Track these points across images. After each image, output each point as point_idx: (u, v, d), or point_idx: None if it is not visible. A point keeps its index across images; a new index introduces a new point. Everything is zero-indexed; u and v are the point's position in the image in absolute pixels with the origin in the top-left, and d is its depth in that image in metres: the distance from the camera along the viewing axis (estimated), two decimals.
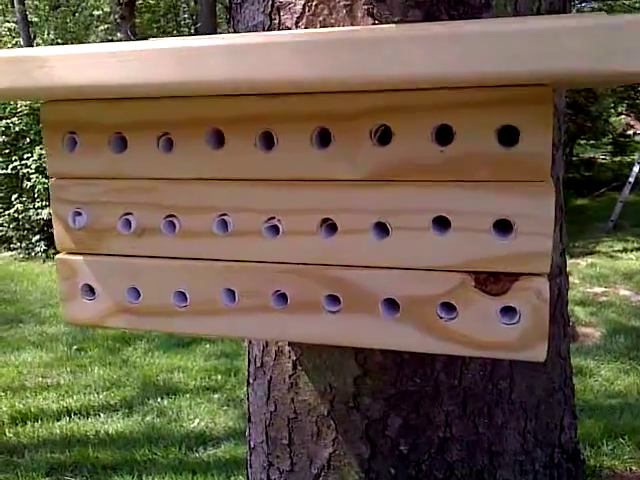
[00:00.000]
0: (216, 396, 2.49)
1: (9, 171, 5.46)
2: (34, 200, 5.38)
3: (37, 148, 5.30)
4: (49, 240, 5.16)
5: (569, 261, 0.86)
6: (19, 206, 5.44)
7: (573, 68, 0.40)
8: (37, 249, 5.46)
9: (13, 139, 5.57)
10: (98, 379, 2.69)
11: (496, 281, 0.51)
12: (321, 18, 0.67)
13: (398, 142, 0.51)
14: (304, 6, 0.67)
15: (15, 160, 5.44)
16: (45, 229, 5.32)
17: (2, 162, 5.55)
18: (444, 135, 0.50)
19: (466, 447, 0.74)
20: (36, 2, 11.12)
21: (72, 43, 8.70)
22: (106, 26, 11.02)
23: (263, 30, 0.71)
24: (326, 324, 0.55)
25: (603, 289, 3.83)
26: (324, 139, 0.53)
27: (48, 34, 10.58)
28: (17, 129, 5.51)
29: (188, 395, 2.50)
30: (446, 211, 0.51)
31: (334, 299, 0.55)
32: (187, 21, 12.33)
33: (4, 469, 1.98)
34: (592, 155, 7.98)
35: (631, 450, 1.91)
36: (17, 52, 0.52)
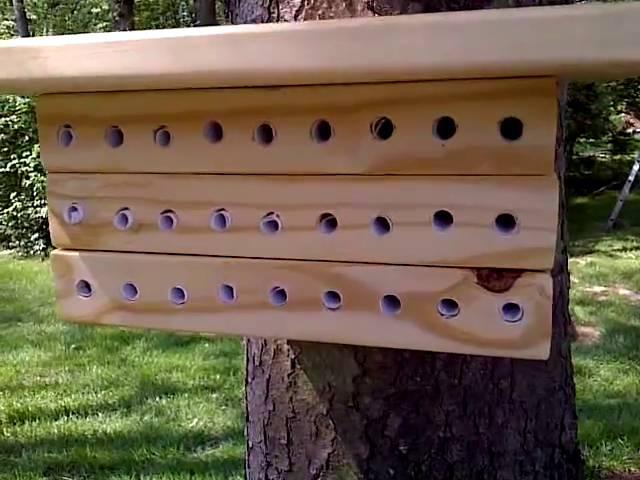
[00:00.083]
0: (215, 395, 2.48)
1: (8, 169, 5.47)
2: (33, 198, 5.38)
3: (36, 146, 5.29)
4: (48, 238, 5.06)
5: (568, 260, 0.85)
6: (18, 204, 5.44)
7: (577, 57, 0.39)
8: (36, 247, 5.46)
9: (12, 137, 5.57)
10: (96, 378, 2.68)
11: (499, 277, 0.50)
12: (320, 11, 0.66)
13: (399, 135, 0.50)
14: None
15: (14, 158, 5.45)
16: (44, 227, 5.31)
17: (1, 160, 5.55)
18: (446, 128, 0.49)
19: (466, 447, 0.73)
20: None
21: None
22: (105, 24, 11.02)
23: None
24: (326, 321, 0.54)
25: (602, 288, 3.82)
26: (324, 132, 0.52)
27: (47, 32, 10.57)
28: (16, 127, 5.51)
29: (186, 394, 2.49)
30: (448, 206, 0.50)
31: (334, 296, 0.54)
32: (186, 19, 12.32)
33: (1, 469, 1.97)
34: (592, 153, 7.97)
35: (630, 451, 1.90)
36: (10, 43, 0.51)
